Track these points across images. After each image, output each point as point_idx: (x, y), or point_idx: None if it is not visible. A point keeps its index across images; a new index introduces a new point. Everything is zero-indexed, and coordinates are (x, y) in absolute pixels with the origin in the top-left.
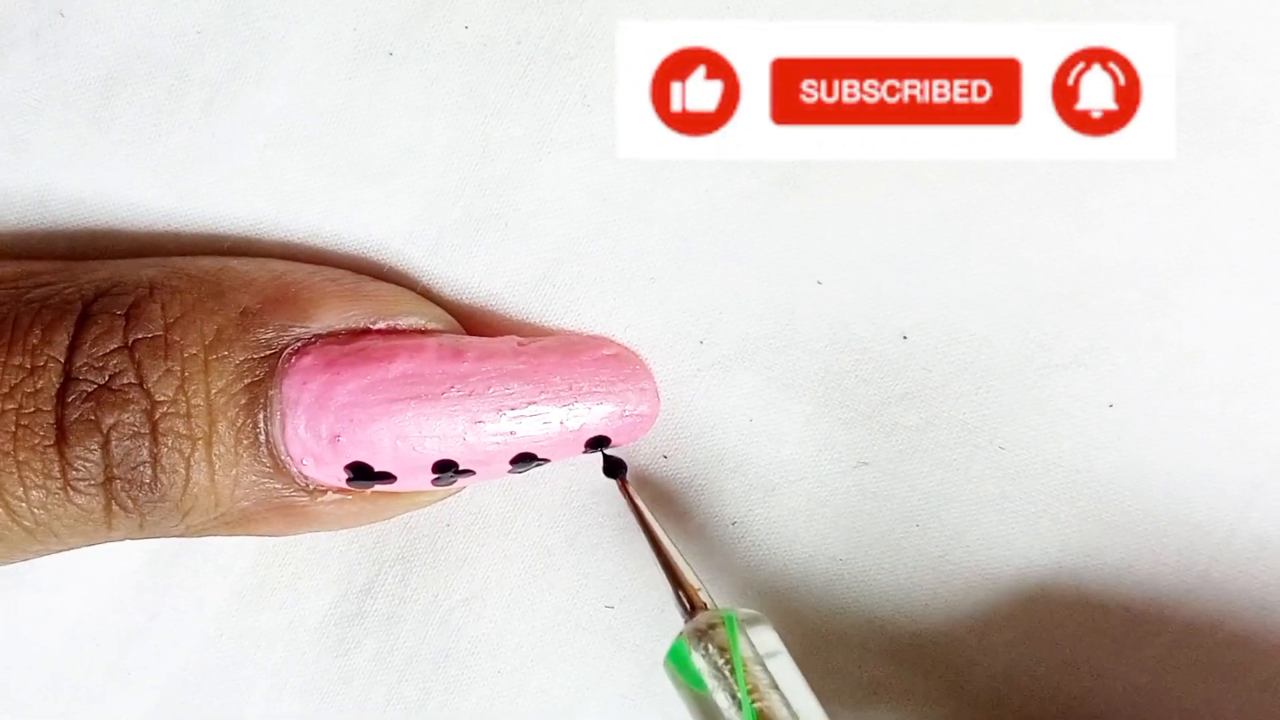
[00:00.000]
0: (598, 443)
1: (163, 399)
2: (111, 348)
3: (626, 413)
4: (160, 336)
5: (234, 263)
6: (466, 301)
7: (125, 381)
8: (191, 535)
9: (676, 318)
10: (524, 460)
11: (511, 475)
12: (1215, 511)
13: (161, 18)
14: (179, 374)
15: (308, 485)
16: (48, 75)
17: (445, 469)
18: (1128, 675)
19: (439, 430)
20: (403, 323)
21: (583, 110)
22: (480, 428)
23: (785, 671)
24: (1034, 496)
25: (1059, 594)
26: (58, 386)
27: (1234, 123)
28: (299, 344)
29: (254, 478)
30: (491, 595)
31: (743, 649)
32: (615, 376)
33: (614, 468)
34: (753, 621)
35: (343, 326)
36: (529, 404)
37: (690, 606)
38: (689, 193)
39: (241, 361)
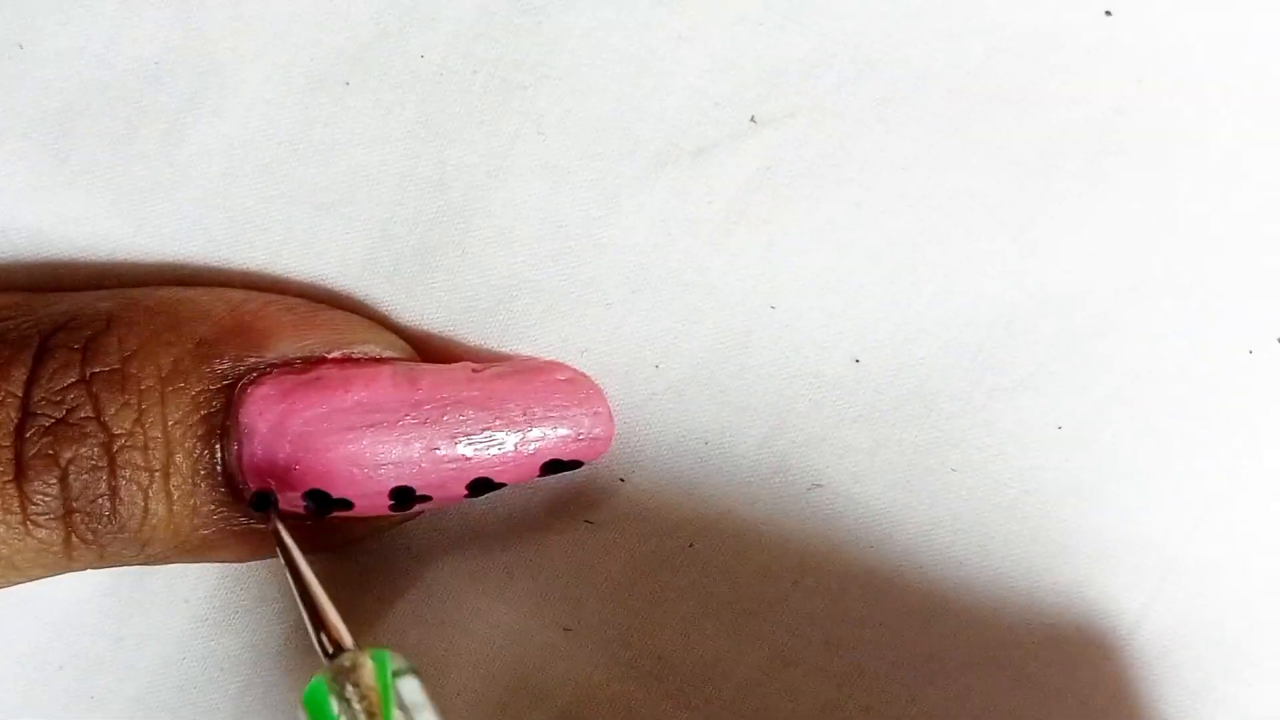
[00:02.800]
0: (554, 466)
1: (120, 432)
2: (69, 382)
3: (581, 436)
4: (117, 370)
5: (190, 293)
6: (423, 329)
7: (83, 415)
8: (152, 564)
9: (631, 343)
10: (480, 485)
11: (469, 500)
12: (1165, 531)
13: (119, 50)
14: (136, 406)
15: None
16: (6, 107)
17: (402, 495)
18: (1082, 694)
19: (395, 457)
20: (358, 351)
21: (537, 139)
22: (436, 454)
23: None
24: (985, 518)
25: (1011, 615)
26: (15, 421)
27: (1174, 145)
28: (255, 374)
29: (212, 507)
30: (451, 618)
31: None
32: (569, 401)
33: (263, 501)
34: (402, 672)
35: (298, 355)
36: (484, 430)
37: (334, 648)
38: (642, 220)
39: (198, 392)
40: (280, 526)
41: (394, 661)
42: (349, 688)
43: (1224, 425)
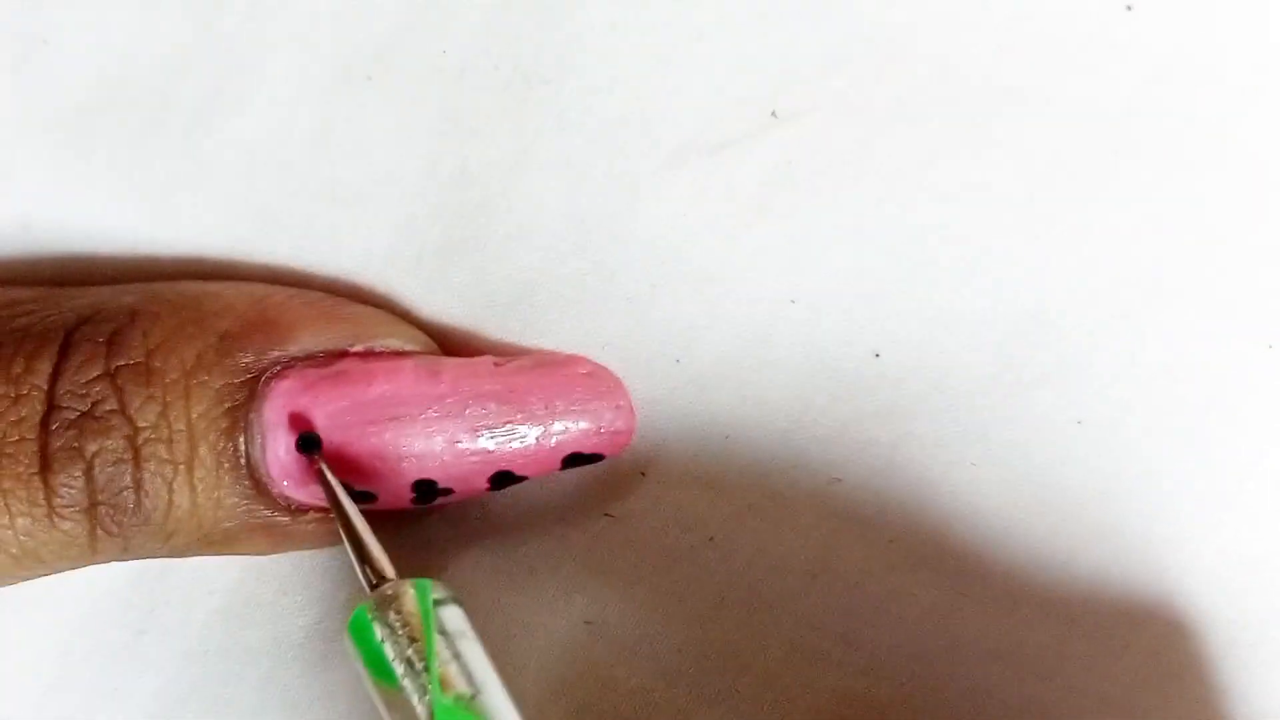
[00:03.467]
0: (575, 460)
1: (145, 425)
2: (94, 375)
3: (603, 430)
4: (141, 363)
5: (213, 287)
6: (445, 322)
7: (108, 409)
8: (176, 556)
9: (652, 337)
10: (502, 478)
11: (490, 493)
12: (1186, 526)
13: (143, 45)
14: (160, 400)
15: (289, 505)
16: (30, 103)
17: (425, 488)
18: (1100, 689)
19: (417, 450)
20: (380, 344)
21: (558, 134)
22: (458, 448)
23: (471, 650)
24: (1004, 512)
25: (1031, 608)
26: (41, 414)
27: (1195, 141)
28: (278, 367)
29: (236, 499)
30: (470, 610)
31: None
32: (591, 394)
33: (308, 442)
34: (444, 601)
35: (321, 349)
36: (506, 423)
37: (377, 579)
38: (663, 215)
39: (222, 386)
40: (324, 465)
41: (436, 590)
42: (392, 615)
43: (1244, 421)
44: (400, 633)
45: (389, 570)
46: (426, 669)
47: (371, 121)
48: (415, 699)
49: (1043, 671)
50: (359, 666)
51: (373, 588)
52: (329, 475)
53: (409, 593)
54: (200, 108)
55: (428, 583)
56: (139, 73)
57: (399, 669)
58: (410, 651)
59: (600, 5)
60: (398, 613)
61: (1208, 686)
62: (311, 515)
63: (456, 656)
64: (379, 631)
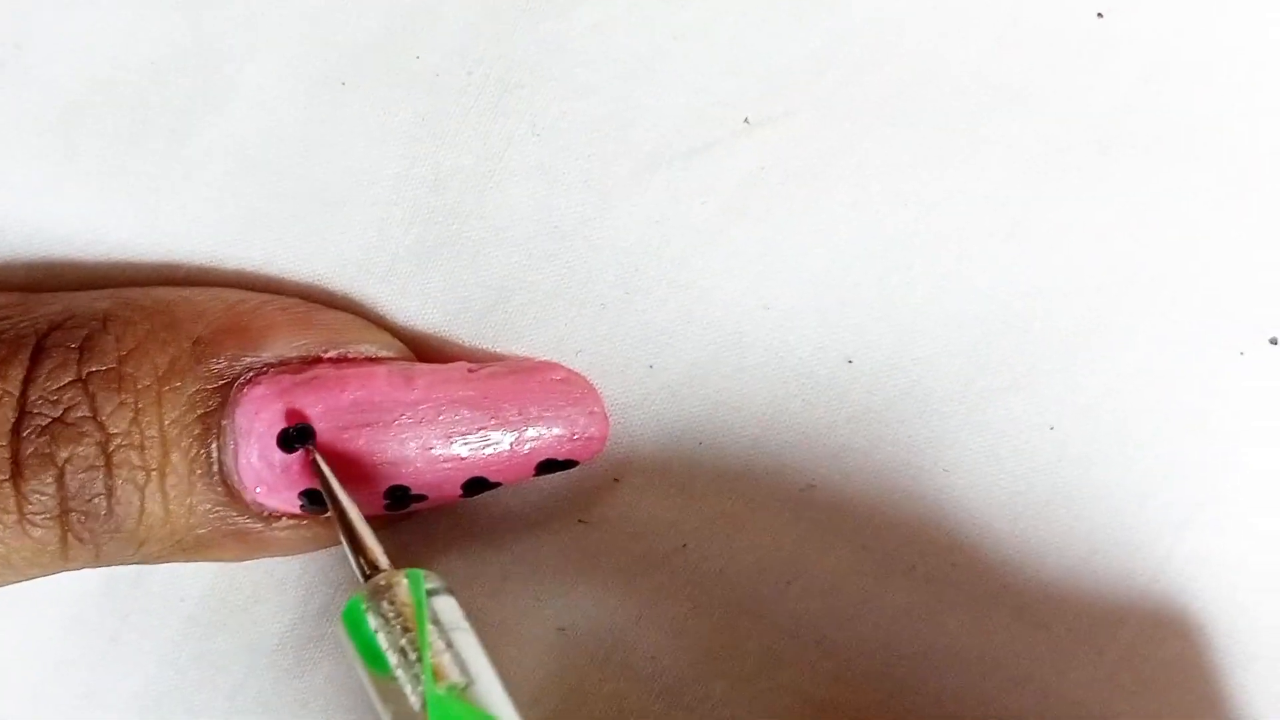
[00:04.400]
0: (549, 466)
1: (116, 431)
2: (66, 381)
3: (576, 436)
4: (114, 369)
5: (187, 292)
6: (419, 328)
7: (79, 415)
8: (149, 563)
9: (626, 343)
10: (476, 485)
11: (464, 500)
12: (1155, 531)
13: (124, 49)
14: (133, 406)
15: (262, 512)
16: (10, 105)
17: (398, 495)
18: (1072, 694)
19: (390, 457)
20: (354, 350)
21: (532, 139)
22: (431, 454)
23: (465, 640)
24: (977, 518)
25: (1005, 613)
26: (12, 421)
27: (1167, 149)
28: (251, 373)
29: (208, 506)
30: None
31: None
32: (564, 401)
33: (301, 434)
34: (437, 591)
35: (294, 355)
36: (479, 429)
37: (370, 569)
38: (637, 220)
39: (194, 392)
40: (318, 455)
41: (429, 581)
42: (385, 605)
43: (1216, 427)
44: (394, 622)
45: (383, 560)
46: (420, 659)
47: (346, 127)
48: (409, 689)
49: (1017, 675)
50: (352, 657)
51: (366, 578)
52: (323, 465)
53: (402, 583)
54: (179, 113)
55: (420, 573)
56: (120, 76)
57: (393, 659)
58: (404, 641)
59: (575, 11)
60: (391, 603)
61: (1182, 689)
62: (285, 522)
63: (450, 646)
64: (372, 621)
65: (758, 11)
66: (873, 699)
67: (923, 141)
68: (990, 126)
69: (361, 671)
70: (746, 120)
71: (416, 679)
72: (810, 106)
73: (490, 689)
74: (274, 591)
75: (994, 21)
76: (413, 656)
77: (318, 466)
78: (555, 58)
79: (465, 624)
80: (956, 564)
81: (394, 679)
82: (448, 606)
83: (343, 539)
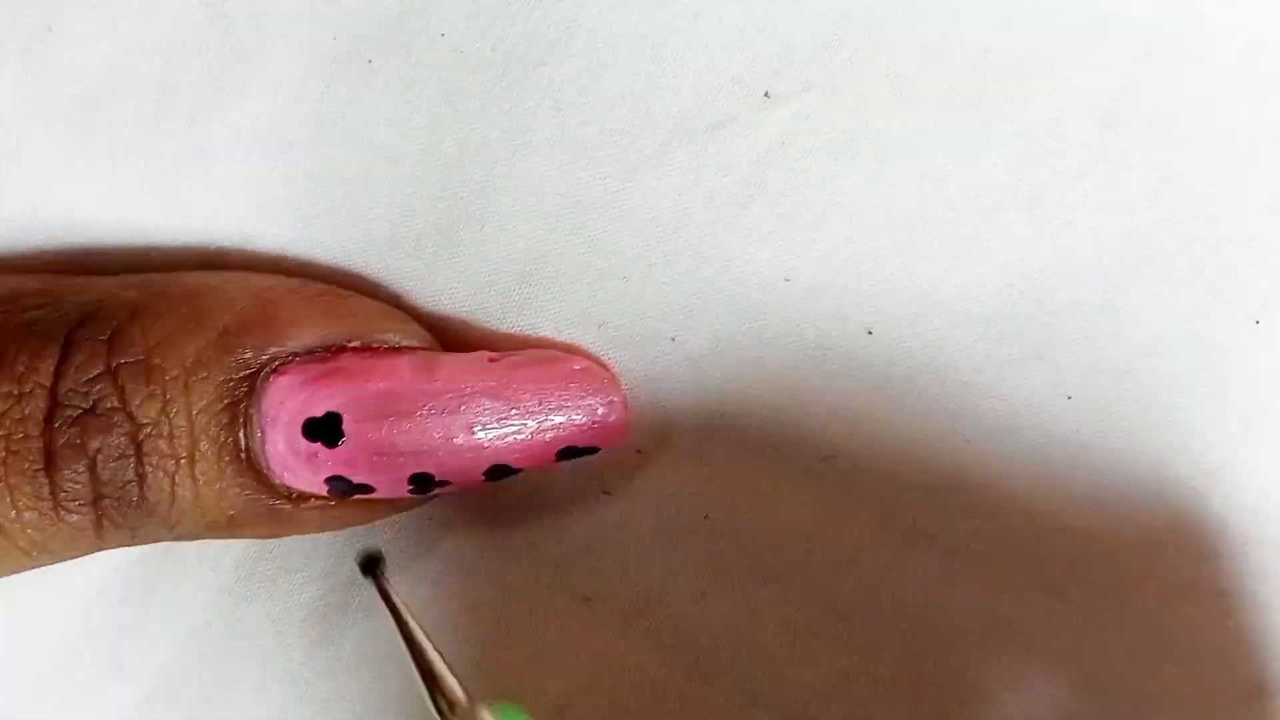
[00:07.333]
0: (570, 453)
1: (146, 421)
2: (95, 373)
3: (596, 424)
4: (142, 361)
5: (214, 279)
6: (444, 305)
7: (109, 406)
8: (183, 540)
9: (648, 316)
10: (498, 472)
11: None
12: (1174, 500)
13: (146, 32)
14: (161, 396)
15: (291, 494)
16: (35, 91)
17: (421, 481)
18: (1091, 662)
19: (414, 445)
20: (377, 340)
21: (555, 114)
22: (454, 443)
23: None
24: (997, 487)
25: (1024, 583)
26: (45, 412)
27: (1179, 118)
28: (277, 363)
29: (238, 490)
30: (471, 586)
31: None
32: (585, 390)
33: (370, 564)
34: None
35: (319, 345)
36: (501, 419)
37: (450, 703)
38: (659, 194)
39: (222, 381)
40: (390, 590)
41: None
42: None
43: (1231, 395)
44: None
45: (460, 696)
46: None
47: (371, 105)
48: None
49: (1036, 646)
50: None
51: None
52: (396, 600)
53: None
54: (202, 95)
55: (513, 707)
56: (143, 59)
57: None
58: None
59: None
60: None
61: (1200, 658)
62: (313, 503)
63: None
64: None
65: None
66: (892, 670)
67: (941, 115)
68: (1007, 101)
69: None
70: (767, 95)
71: None
72: (828, 82)
73: None
74: (302, 562)
75: None
76: None
77: (388, 600)
78: (576, 35)
79: None
80: (977, 534)
81: None
82: None
83: (416, 674)
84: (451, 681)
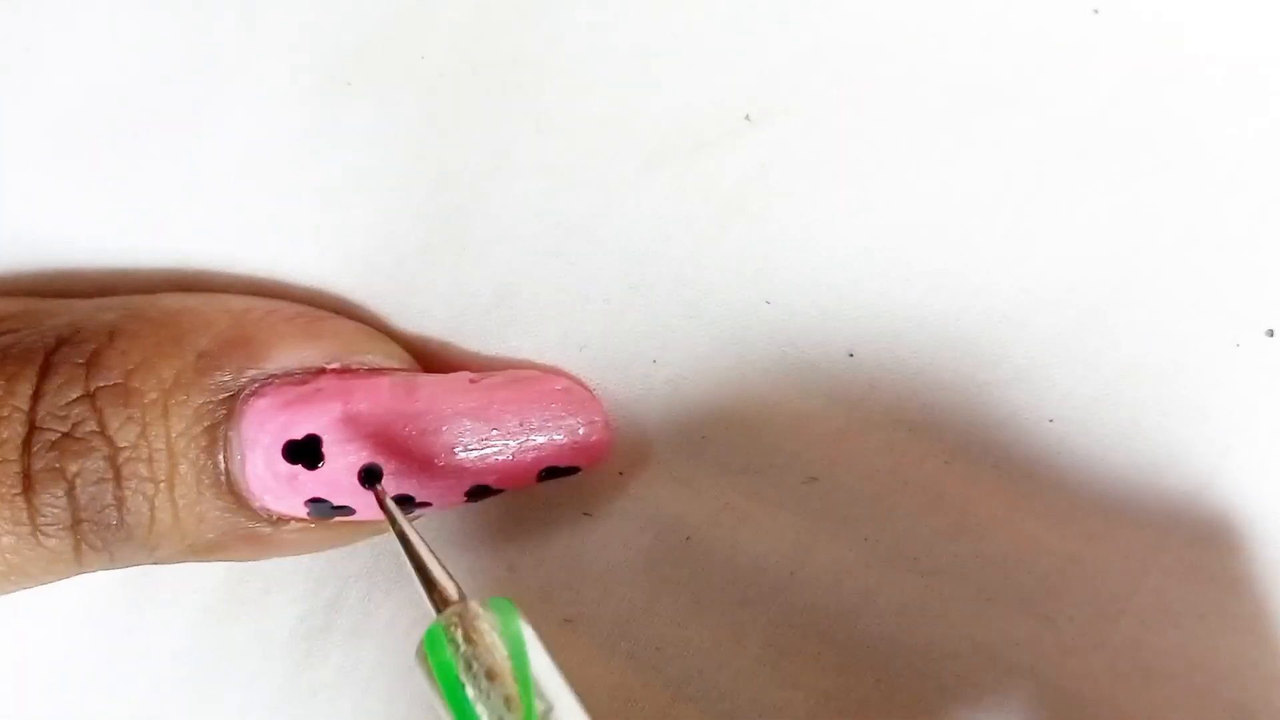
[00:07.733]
0: (551, 473)
1: (125, 445)
2: (73, 396)
3: (578, 444)
4: (120, 384)
5: (193, 301)
6: (424, 327)
7: (88, 429)
8: (163, 564)
9: (629, 338)
10: (479, 492)
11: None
12: (1153, 525)
13: (126, 54)
14: (140, 420)
15: (271, 517)
16: (13, 111)
17: (402, 502)
18: (1072, 685)
19: (394, 468)
20: (357, 361)
21: (536, 138)
22: (435, 464)
23: (540, 662)
24: (977, 509)
25: (1005, 604)
26: (23, 436)
27: (1159, 140)
28: (255, 385)
29: (217, 513)
30: None
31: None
32: (566, 410)
33: (371, 475)
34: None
35: (298, 367)
36: (482, 440)
37: (443, 600)
38: (640, 217)
39: (200, 404)
40: (388, 498)
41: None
42: (461, 634)
43: (1212, 418)
44: (474, 655)
45: (454, 593)
46: (520, 692)
47: (350, 128)
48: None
49: (1019, 667)
50: (429, 688)
51: (439, 609)
52: (391, 506)
53: (485, 613)
54: (182, 117)
55: (508, 602)
56: (124, 81)
57: (470, 691)
58: (483, 672)
59: (577, 9)
60: (470, 634)
61: (1184, 679)
62: (294, 525)
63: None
64: (451, 651)
65: (755, 10)
66: (875, 691)
67: (921, 138)
68: (988, 123)
69: (438, 702)
70: (748, 118)
71: (498, 710)
72: (809, 105)
73: (573, 713)
74: (285, 583)
75: (990, 19)
76: (490, 688)
77: (386, 508)
78: (557, 56)
79: (539, 645)
80: (958, 556)
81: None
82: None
83: (413, 573)
84: (445, 580)
